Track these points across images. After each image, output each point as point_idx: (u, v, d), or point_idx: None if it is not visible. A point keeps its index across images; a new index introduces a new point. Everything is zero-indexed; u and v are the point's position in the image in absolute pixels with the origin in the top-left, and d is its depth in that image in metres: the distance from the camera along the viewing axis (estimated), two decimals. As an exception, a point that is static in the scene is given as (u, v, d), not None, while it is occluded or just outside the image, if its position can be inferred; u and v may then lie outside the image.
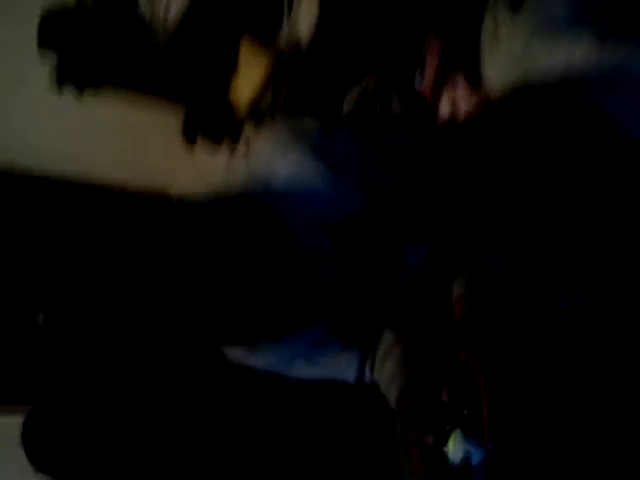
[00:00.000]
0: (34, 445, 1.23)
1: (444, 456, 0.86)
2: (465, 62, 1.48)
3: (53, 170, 2.22)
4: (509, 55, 1.38)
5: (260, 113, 2.17)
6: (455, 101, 1.48)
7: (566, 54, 1.22)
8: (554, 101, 1.24)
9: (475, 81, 1.44)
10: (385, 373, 1.08)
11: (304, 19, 2.15)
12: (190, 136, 2.21)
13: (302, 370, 1.15)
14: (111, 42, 2.15)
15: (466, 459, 0.84)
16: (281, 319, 0.97)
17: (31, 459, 1.22)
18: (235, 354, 1.13)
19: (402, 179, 1.06)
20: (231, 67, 2.21)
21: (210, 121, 2.20)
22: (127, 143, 2.24)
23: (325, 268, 1.03)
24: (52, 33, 2.06)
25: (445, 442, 0.86)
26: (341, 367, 1.15)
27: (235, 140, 1.18)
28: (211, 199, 0.96)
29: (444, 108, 1.51)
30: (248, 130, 1.23)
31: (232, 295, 0.88)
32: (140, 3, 2.13)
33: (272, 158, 1.02)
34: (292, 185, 0.99)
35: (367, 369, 1.14)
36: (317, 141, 1.03)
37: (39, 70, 2.01)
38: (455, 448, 0.85)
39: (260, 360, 1.13)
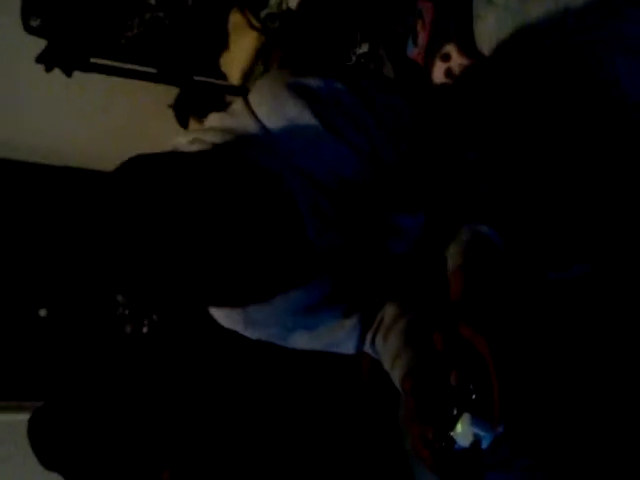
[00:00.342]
0: (41, 442, 1.24)
1: (451, 441, 0.83)
2: (458, 29, 1.45)
3: (51, 159, 2.22)
4: (504, 10, 1.35)
5: (253, 83, 2.14)
6: (449, 68, 1.45)
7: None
8: (550, 49, 1.21)
9: (467, 48, 1.41)
10: (388, 348, 1.07)
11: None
12: (182, 117, 2.19)
13: (303, 340, 1.14)
14: (98, 17, 2.11)
15: (475, 443, 0.81)
16: (274, 277, 0.93)
17: (38, 456, 1.24)
18: (233, 325, 1.11)
19: (399, 141, 1.03)
20: (221, 39, 2.17)
21: (202, 101, 2.18)
22: (120, 127, 2.21)
23: (327, 231, 0.99)
24: (36, 5, 2.02)
25: (452, 427, 0.83)
26: (342, 336, 1.13)
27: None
28: (210, 160, 0.90)
29: (438, 74, 1.49)
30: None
31: (226, 252, 0.84)
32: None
33: (269, 114, 0.97)
34: (289, 142, 0.96)
35: (368, 341, 1.12)
36: (314, 97, 0.97)
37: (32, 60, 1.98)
38: (464, 432, 0.82)
39: (261, 330, 1.12)
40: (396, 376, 1.01)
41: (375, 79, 1.15)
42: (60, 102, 2.20)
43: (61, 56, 2.06)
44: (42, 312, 2.05)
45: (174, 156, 0.89)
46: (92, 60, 2.04)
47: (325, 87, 0.98)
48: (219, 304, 1.02)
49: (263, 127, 0.96)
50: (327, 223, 0.99)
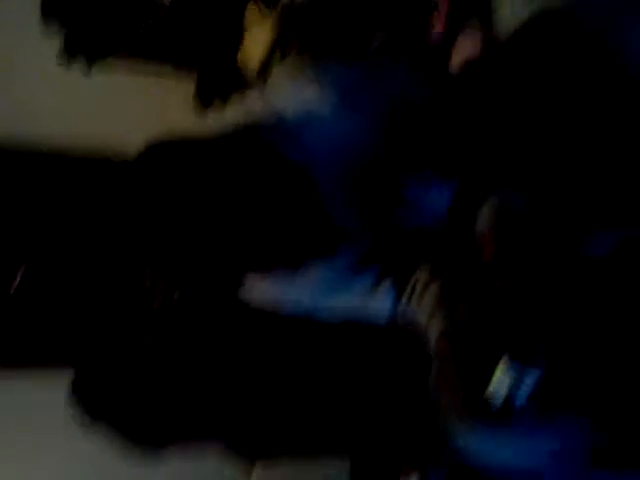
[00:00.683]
0: (86, 398, 1.24)
1: (489, 388, 0.84)
2: (475, 17, 1.47)
3: (69, 145, 2.24)
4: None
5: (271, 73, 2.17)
6: (467, 56, 1.47)
7: None
8: (570, 30, 1.23)
9: (485, 36, 1.43)
10: (423, 310, 1.08)
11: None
12: (204, 99, 2.22)
13: (334, 311, 1.17)
14: (116, 8, 2.14)
15: (514, 388, 0.83)
16: (300, 248, 0.97)
17: (85, 410, 1.23)
18: (266, 296, 1.14)
19: (416, 115, 1.05)
20: (239, 29, 2.20)
21: (223, 83, 2.20)
22: (142, 113, 2.23)
23: (345, 207, 1.03)
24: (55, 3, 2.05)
25: (492, 374, 0.83)
26: (375, 303, 1.15)
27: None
28: (228, 141, 0.95)
29: (456, 63, 1.51)
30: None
31: (250, 226, 0.88)
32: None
33: (287, 96, 1.02)
34: (307, 126, 0.98)
35: (402, 305, 1.13)
36: (331, 80, 1.01)
37: (50, 47, 2.01)
38: (503, 378, 0.83)
39: (290, 305, 1.15)
40: (431, 335, 1.03)
41: (393, 60, 1.18)
42: (79, 98, 2.22)
43: (80, 50, 2.09)
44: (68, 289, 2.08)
45: (193, 141, 0.94)
46: (111, 48, 2.07)
47: (342, 70, 1.05)
48: (242, 275, 1.04)
49: (281, 113, 1.00)
50: (348, 200, 1.03)
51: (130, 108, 2.28)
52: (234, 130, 0.97)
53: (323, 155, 1.00)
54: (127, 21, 2.17)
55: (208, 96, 2.15)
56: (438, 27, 1.68)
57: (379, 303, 1.15)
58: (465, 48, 1.47)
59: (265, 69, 2.23)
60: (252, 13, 2.29)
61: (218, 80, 2.14)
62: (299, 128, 0.99)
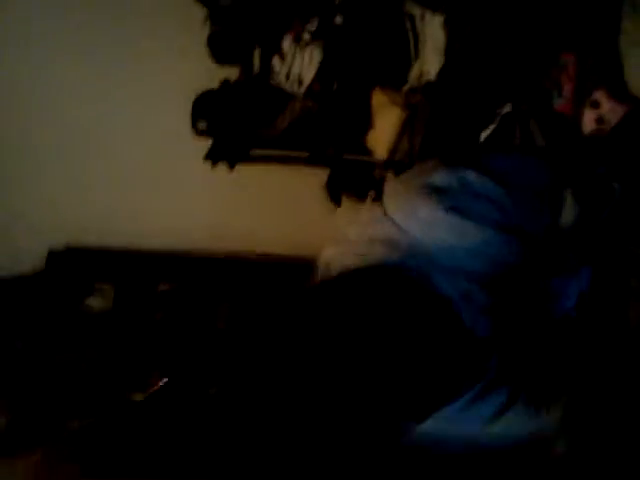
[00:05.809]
0: None
1: None
2: (605, 75, 1.41)
3: (215, 248, 2.39)
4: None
5: (398, 160, 2.20)
6: (600, 115, 1.40)
7: None
8: None
9: (618, 93, 1.36)
10: None
11: (432, 59, 2.15)
12: (335, 196, 2.28)
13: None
14: (255, 114, 2.30)
15: None
16: (452, 383, 0.93)
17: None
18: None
19: (542, 206, 1.03)
20: (366, 118, 2.27)
21: (353, 179, 2.26)
22: (277, 212, 2.35)
23: (481, 321, 0.99)
24: (203, 110, 2.25)
25: None
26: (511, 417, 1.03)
27: (379, 195, 1.22)
28: (358, 271, 0.99)
29: (588, 122, 1.44)
30: (389, 181, 1.25)
31: (401, 369, 0.87)
32: (274, 75, 2.27)
33: (403, 217, 1.04)
34: (428, 242, 1.01)
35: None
36: (444, 193, 1.03)
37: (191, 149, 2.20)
38: None
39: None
40: None
41: (505, 153, 1.16)
42: (218, 194, 2.38)
43: (226, 152, 2.27)
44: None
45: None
46: (249, 149, 2.22)
47: (452, 179, 1.04)
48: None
49: (402, 231, 1.03)
50: (482, 312, 0.99)
51: (268, 198, 2.37)
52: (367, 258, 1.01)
53: (449, 263, 1.00)
54: (267, 116, 2.32)
55: (337, 192, 2.23)
56: (568, 86, 1.61)
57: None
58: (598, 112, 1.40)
59: (393, 152, 2.26)
60: (379, 98, 2.36)
61: (347, 175, 2.20)
62: (421, 244, 1.01)
